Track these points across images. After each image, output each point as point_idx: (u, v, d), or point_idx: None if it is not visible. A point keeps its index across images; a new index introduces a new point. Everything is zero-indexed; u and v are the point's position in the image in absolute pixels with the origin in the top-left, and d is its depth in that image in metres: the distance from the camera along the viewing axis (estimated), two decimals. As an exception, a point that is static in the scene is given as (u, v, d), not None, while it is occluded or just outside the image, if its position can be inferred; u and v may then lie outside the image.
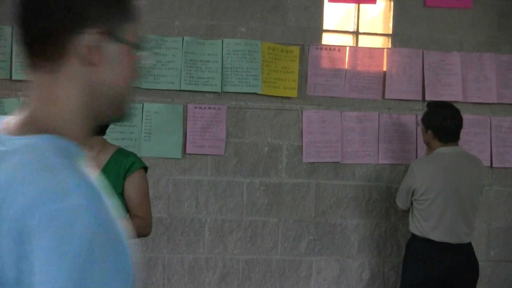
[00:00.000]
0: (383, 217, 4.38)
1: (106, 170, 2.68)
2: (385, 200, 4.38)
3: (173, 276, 4.15)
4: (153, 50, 4.09)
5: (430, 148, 3.85)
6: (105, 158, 2.73)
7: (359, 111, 4.34)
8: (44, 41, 1.10)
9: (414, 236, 3.78)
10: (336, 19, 4.45)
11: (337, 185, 4.33)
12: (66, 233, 0.94)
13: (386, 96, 4.37)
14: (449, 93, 4.40)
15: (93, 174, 1.10)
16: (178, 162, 4.12)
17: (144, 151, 4.07)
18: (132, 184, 2.74)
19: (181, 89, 4.12)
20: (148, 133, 4.08)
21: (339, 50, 4.33)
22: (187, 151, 4.13)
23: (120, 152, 2.79)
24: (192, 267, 4.17)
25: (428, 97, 4.35)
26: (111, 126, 4.01)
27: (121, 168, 2.73)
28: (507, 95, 4.49)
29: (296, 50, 4.25)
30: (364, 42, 4.45)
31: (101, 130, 2.73)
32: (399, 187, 3.91)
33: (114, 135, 4.01)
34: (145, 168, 2.81)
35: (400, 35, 4.42)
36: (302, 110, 4.27)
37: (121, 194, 2.70)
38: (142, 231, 2.76)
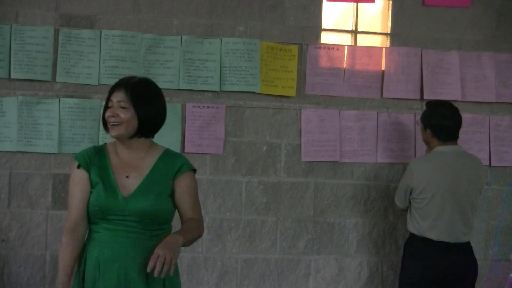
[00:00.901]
0: (382, 216, 4.39)
1: (154, 172, 2.66)
2: (383, 199, 4.38)
3: (172, 275, 4.15)
4: (152, 49, 4.09)
5: (429, 147, 3.85)
6: (152, 159, 2.69)
7: (358, 110, 4.34)
8: None
9: (412, 235, 3.78)
10: (334, 18, 4.46)
11: (335, 184, 4.33)
12: None
13: (385, 95, 4.37)
14: (447, 92, 4.40)
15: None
16: (176, 161, 4.12)
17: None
18: (183, 186, 2.69)
19: (180, 88, 4.12)
20: (146, 132, 4.07)
21: (337, 49, 4.33)
22: (185, 150, 4.13)
23: (168, 154, 2.74)
24: (191, 266, 4.17)
25: (427, 96, 4.35)
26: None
27: (170, 170, 2.68)
28: (505, 94, 4.50)
29: (294, 49, 4.25)
30: (363, 41, 4.45)
31: (149, 133, 2.71)
32: (398, 186, 3.92)
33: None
34: (194, 170, 2.77)
35: (398, 34, 4.42)
36: (300, 109, 4.27)
37: (169, 196, 2.67)
38: (200, 232, 2.75)
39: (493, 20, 4.52)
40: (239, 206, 4.22)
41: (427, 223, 3.69)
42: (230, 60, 4.16)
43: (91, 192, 2.62)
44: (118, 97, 2.61)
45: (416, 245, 3.73)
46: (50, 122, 3.97)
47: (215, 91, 4.17)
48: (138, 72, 4.05)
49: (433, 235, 3.66)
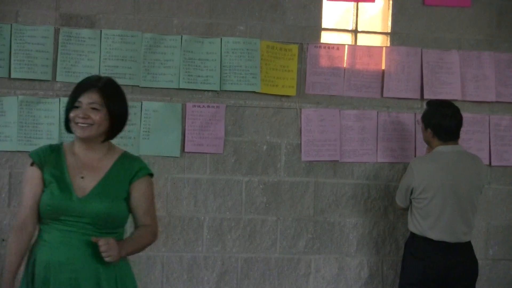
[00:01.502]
0: (382, 215, 4.39)
1: (110, 174, 2.64)
2: (383, 199, 4.38)
3: (172, 274, 4.15)
4: (152, 48, 4.09)
5: (430, 146, 3.85)
6: (110, 161, 2.67)
7: (358, 110, 4.34)
8: None
9: (413, 235, 3.78)
10: (334, 18, 4.46)
11: (335, 184, 4.33)
12: None
13: (385, 95, 4.37)
14: (447, 92, 4.40)
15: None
16: (176, 160, 4.12)
17: (143, 150, 4.07)
18: (139, 191, 2.67)
19: (180, 87, 4.12)
20: (147, 132, 4.08)
21: (337, 48, 4.33)
22: (186, 150, 4.13)
23: (126, 156, 2.72)
24: (191, 265, 4.17)
25: (427, 96, 4.35)
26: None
27: (127, 173, 2.66)
28: (505, 94, 4.50)
29: (294, 48, 4.25)
30: (363, 40, 4.45)
31: (116, 134, 2.70)
32: (398, 186, 3.91)
33: (113, 133, 4.01)
34: (151, 175, 2.76)
35: (398, 33, 4.42)
36: (300, 109, 4.27)
37: (124, 200, 2.65)
38: (152, 239, 2.74)
39: (493, 19, 4.52)
40: (239, 205, 4.22)
41: (428, 223, 3.68)
42: (230, 59, 4.16)
43: (43, 191, 2.57)
44: (91, 98, 2.58)
45: (417, 245, 3.72)
46: (50, 121, 3.97)
47: (215, 91, 4.17)
48: (138, 71, 4.06)
49: (433, 235, 3.66)
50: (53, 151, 2.65)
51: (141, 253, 4.06)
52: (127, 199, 2.66)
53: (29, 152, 3.88)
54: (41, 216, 2.58)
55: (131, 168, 2.67)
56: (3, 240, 3.97)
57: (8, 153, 3.98)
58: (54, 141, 3.95)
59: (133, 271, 2.74)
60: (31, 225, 2.58)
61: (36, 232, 2.62)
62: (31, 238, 2.60)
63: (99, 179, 2.61)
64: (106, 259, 2.47)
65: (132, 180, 2.66)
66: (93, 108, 2.58)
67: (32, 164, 2.61)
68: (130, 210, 2.68)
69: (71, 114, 2.60)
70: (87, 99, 2.58)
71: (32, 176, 2.60)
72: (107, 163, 2.66)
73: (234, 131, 4.21)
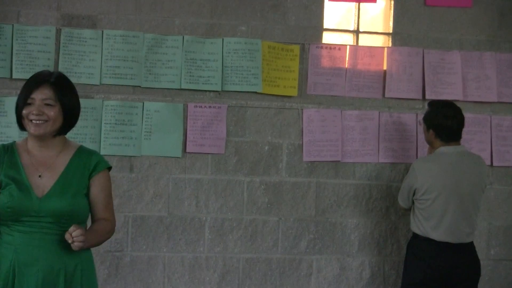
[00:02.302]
0: (383, 216, 4.39)
1: (69, 170, 2.59)
2: (385, 199, 4.38)
3: (174, 274, 4.15)
4: (154, 49, 4.09)
5: (432, 147, 3.85)
6: (66, 157, 2.62)
7: (359, 110, 4.34)
8: None
9: (415, 235, 3.78)
10: (336, 18, 4.46)
11: (337, 184, 4.33)
12: None
13: (386, 95, 4.37)
14: (449, 92, 4.40)
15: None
16: (178, 161, 4.12)
17: (145, 150, 4.07)
18: (98, 185, 2.64)
19: (182, 88, 4.12)
20: (148, 132, 4.08)
21: (339, 49, 4.33)
22: (187, 150, 4.13)
23: (82, 151, 2.68)
24: (193, 265, 4.17)
25: (428, 96, 4.35)
26: (113, 123, 4.02)
27: (86, 168, 2.62)
28: (507, 94, 4.50)
29: (296, 49, 4.25)
30: (365, 41, 4.45)
31: (63, 129, 2.64)
32: (401, 186, 3.91)
33: (115, 134, 4.02)
34: (109, 168, 2.72)
35: (400, 34, 4.42)
36: (302, 109, 4.27)
37: (85, 195, 2.62)
38: (111, 234, 2.71)
39: (495, 20, 4.52)
40: (241, 206, 4.22)
41: (431, 224, 3.68)
42: (232, 60, 4.16)
43: None
44: (43, 94, 2.54)
45: (419, 245, 3.72)
46: (52, 122, 3.97)
47: (217, 91, 4.17)
48: (140, 72, 4.05)
49: (436, 236, 3.66)
50: (6, 151, 2.60)
51: (142, 254, 4.08)
52: (87, 194, 2.63)
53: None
54: (1, 218, 2.52)
55: (89, 163, 2.63)
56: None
57: (9, 154, 3.97)
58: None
59: (94, 264, 2.73)
60: None
61: None
62: None
63: (57, 177, 2.56)
64: (75, 245, 2.41)
65: (91, 175, 2.62)
66: (47, 104, 2.54)
67: None
68: (89, 204, 2.65)
69: (24, 111, 2.55)
70: (40, 95, 2.54)
71: None
72: (64, 159, 2.61)
73: (235, 131, 4.21)
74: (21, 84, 3.96)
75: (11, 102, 3.94)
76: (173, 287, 4.15)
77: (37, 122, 2.53)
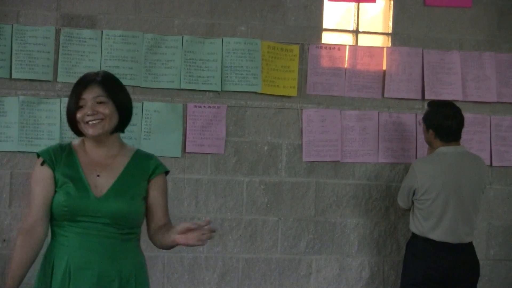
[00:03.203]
0: (383, 216, 4.39)
1: (127, 172, 2.53)
2: (384, 199, 4.38)
3: (173, 275, 4.15)
4: (153, 49, 4.09)
5: (431, 147, 3.85)
6: (125, 159, 2.56)
7: (359, 110, 4.34)
8: None
9: (414, 236, 3.78)
10: (336, 18, 4.46)
11: (336, 184, 4.33)
12: None
13: (386, 95, 4.37)
14: (448, 92, 4.40)
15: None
16: (177, 161, 4.12)
17: (144, 150, 4.06)
18: (157, 189, 2.57)
19: (181, 88, 4.12)
20: (147, 132, 4.08)
21: (339, 49, 4.33)
22: (186, 150, 4.13)
23: (140, 154, 2.62)
24: (192, 266, 4.17)
25: (428, 96, 4.35)
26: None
27: (144, 171, 2.56)
28: (506, 94, 4.50)
29: (295, 49, 4.25)
30: (364, 41, 4.45)
31: (120, 127, 2.58)
32: (400, 186, 3.91)
33: (114, 134, 4.01)
34: (167, 172, 2.66)
35: (400, 34, 4.42)
36: (302, 109, 4.27)
37: (143, 198, 2.54)
38: None
39: (494, 20, 4.52)
40: (240, 206, 4.22)
41: (430, 224, 3.68)
42: (231, 60, 4.17)
43: (55, 191, 2.45)
44: (94, 93, 2.47)
45: (418, 246, 3.72)
46: (52, 122, 3.97)
47: (216, 91, 4.17)
48: (139, 72, 4.06)
49: (435, 236, 3.66)
50: (63, 150, 2.53)
51: (142, 254, 4.08)
52: (145, 197, 2.56)
53: (32, 152, 3.94)
54: (56, 218, 2.46)
55: (147, 166, 2.57)
56: (4, 240, 3.97)
57: (9, 154, 3.98)
58: (55, 142, 3.94)
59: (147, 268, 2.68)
60: (41, 228, 2.45)
61: (48, 235, 2.51)
62: (40, 242, 2.46)
63: (115, 178, 2.50)
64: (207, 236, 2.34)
65: (150, 178, 2.56)
66: (100, 102, 2.47)
67: (42, 164, 2.47)
68: (146, 209, 2.58)
69: (78, 115, 2.48)
70: (91, 94, 2.47)
71: (43, 176, 2.46)
72: (122, 160, 2.55)
73: (235, 131, 4.21)
74: (21, 84, 4.01)
75: (10, 102, 3.95)
76: (173, 287, 4.15)
77: (94, 122, 2.46)
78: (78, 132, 2.54)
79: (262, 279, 4.25)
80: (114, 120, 2.51)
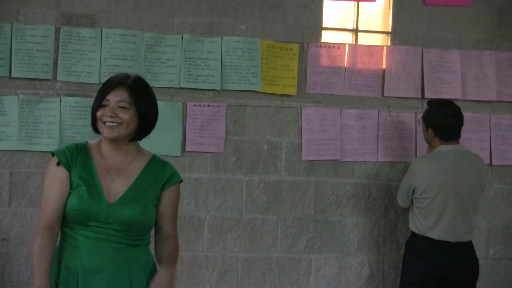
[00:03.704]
0: (383, 215, 4.39)
1: (141, 178, 2.50)
2: (384, 198, 4.38)
3: (173, 273, 4.15)
4: (153, 47, 4.09)
5: (431, 146, 3.85)
6: (140, 165, 2.53)
7: (359, 109, 4.34)
8: None
9: (414, 234, 3.78)
10: (335, 17, 4.46)
11: (336, 183, 4.33)
12: None
13: (386, 94, 4.37)
14: (448, 91, 4.40)
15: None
16: (177, 159, 4.12)
17: (144, 149, 4.06)
18: (169, 198, 2.55)
19: (181, 86, 4.12)
20: (147, 131, 4.07)
21: (338, 48, 4.33)
22: (186, 149, 4.13)
23: (156, 161, 2.58)
24: (191, 264, 4.17)
25: (428, 95, 4.35)
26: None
27: (159, 179, 2.53)
28: (506, 93, 4.50)
29: (295, 48, 4.25)
30: (364, 40, 4.45)
31: (145, 134, 2.57)
32: (400, 185, 3.91)
33: (114, 132, 4.01)
34: (180, 182, 2.62)
35: (399, 33, 4.42)
36: (301, 108, 4.27)
37: (155, 206, 2.52)
38: (178, 252, 2.64)
39: (494, 19, 4.52)
40: (240, 204, 4.22)
41: (429, 223, 3.68)
42: (231, 58, 4.16)
43: (69, 193, 2.43)
44: (119, 96, 2.45)
45: (418, 244, 3.72)
46: (51, 120, 3.97)
47: (216, 90, 4.17)
48: (139, 71, 4.05)
49: (435, 235, 3.66)
50: (80, 151, 2.50)
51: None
52: (157, 205, 2.54)
53: (31, 151, 3.94)
54: (67, 220, 2.44)
55: (162, 174, 2.54)
56: (3, 239, 3.97)
57: (8, 153, 3.98)
58: (55, 140, 3.95)
59: None
60: (57, 228, 2.44)
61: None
62: (56, 242, 2.45)
63: (129, 184, 2.47)
64: None
65: (163, 186, 2.53)
66: (122, 107, 2.45)
67: (58, 164, 2.45)
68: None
69: (98, 113, 2.47)
70: (115, 97, 2.45)
71: (59, 177, 2.44)
72: (137, 166, 2.52)
73: (234, 130, 4.21)
74: (20, 83, 4.01)
75: (10, 101, 3.95)
76: (172, 286, 4.15)
77: (111, 124, 2.44)
78: (97, 130, 2.53)
79: (262, 278, 4.25)
80: (132, 127, 2.48)
